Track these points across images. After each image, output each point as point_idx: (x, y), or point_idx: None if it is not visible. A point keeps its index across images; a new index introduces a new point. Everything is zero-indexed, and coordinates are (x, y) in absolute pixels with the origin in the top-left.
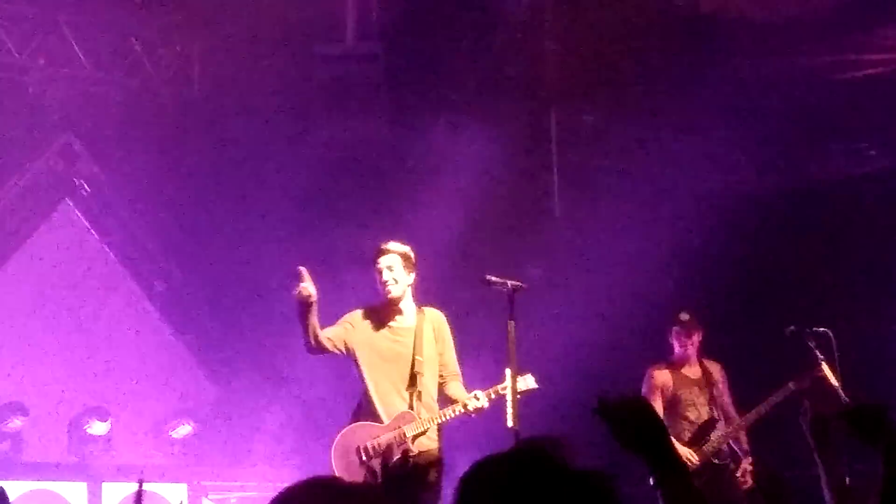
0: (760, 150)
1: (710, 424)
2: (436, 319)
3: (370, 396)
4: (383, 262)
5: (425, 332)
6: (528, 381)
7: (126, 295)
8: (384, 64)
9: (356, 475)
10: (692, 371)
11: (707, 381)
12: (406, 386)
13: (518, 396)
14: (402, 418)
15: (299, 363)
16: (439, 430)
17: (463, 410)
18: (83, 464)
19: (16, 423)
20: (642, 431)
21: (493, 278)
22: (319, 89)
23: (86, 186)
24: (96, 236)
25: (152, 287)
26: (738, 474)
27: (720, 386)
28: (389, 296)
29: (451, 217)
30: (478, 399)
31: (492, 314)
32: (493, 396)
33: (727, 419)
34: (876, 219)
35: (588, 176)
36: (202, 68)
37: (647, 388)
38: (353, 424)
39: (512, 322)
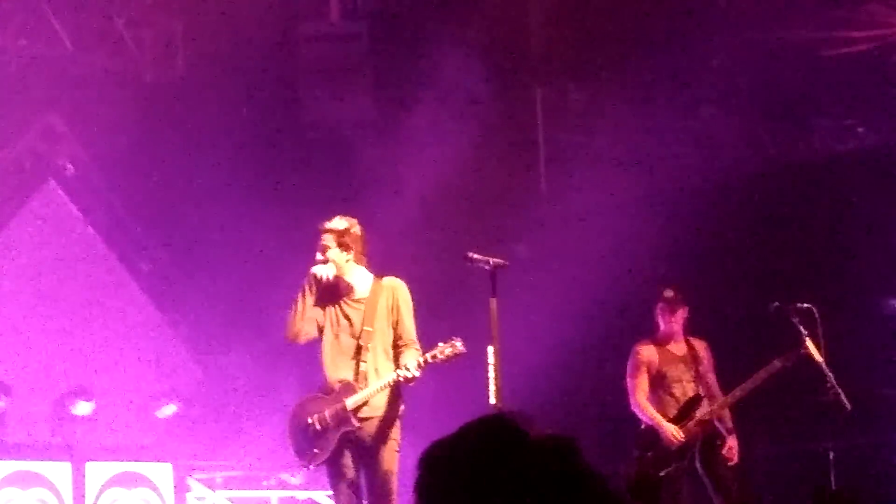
0: (747, 127)
1: (695, 401)
2: (393, 288)
3: (322, 368)
4: (322, 241)
5: (379, 302)
6: (456, 346)
7: (111, 275)
8: (368, 42)
9: (306, 449)
10: (678, 348)
11: (692, 358)
12: (353, 357)
13: (444, 360)
14: (344, 390)
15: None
16: (394, 393)
17: (394, 380)
18: (67, 444)
19: None
20: None
21: (476, 255)
22: (303, 69)
23: (69, 167)
24: (80, 217)
25: (137, 267)
26: (724, 451)
27: (705, 363)
28: (319, 275)
29: (434, 194)
30: (407, 369)
31: (474, 291)
32: (422, 365)
33: (712, 397)
34: (862, 195)
35: (574, 153)
36: (185, 48)
37: (632, 364)
38: (303, 398)
39: (494, 299)
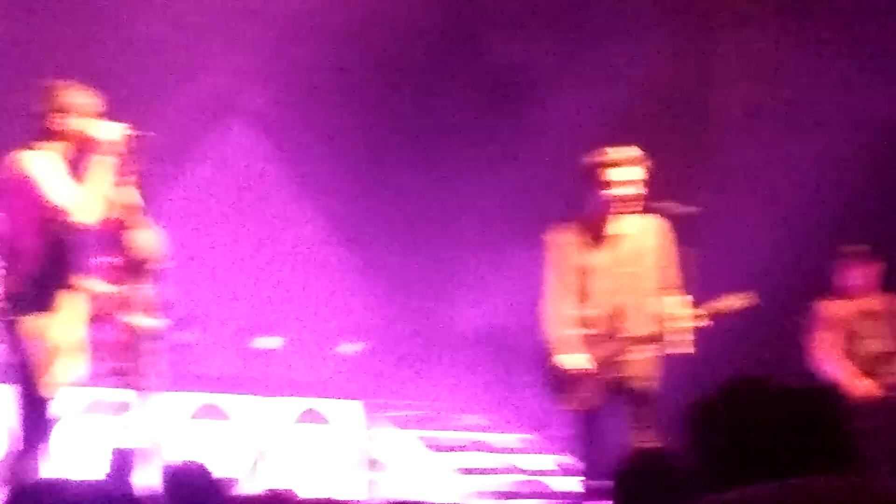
0: None
1: (885, 358)
2: (661, 228)
3: (589, 307)
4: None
5: (646, 240)
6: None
7: (299, 212)
8: None
9: (572, 390)
10: (867, 303)
11: (884, 314)
12: (625, 298)
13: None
14: (620, 331)
15: (473, 282)
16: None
17: (686, 327)
18: (251, 378)
19: (186, 335)
20: None
21: (663, 203)
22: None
23: (255, 103)
24: (267, 153)
25: (327, 204)
26: None
27: None
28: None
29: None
30: (700, 318)
31: None
32: (713, 315)
33: None
34: None
35: (750, 104)
36: None
37: (819, 319)
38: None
39: (684, 248)
